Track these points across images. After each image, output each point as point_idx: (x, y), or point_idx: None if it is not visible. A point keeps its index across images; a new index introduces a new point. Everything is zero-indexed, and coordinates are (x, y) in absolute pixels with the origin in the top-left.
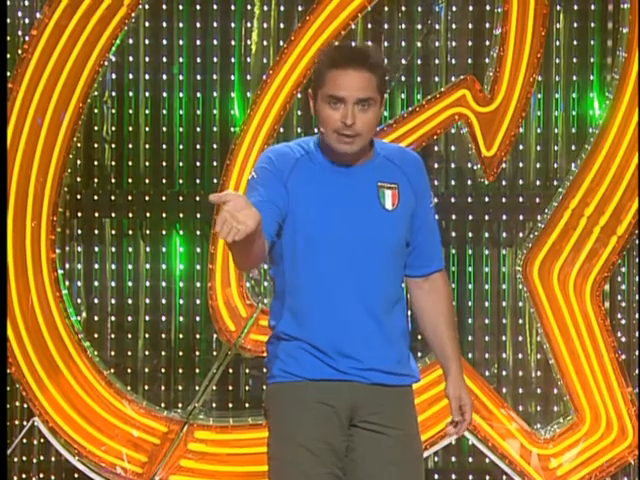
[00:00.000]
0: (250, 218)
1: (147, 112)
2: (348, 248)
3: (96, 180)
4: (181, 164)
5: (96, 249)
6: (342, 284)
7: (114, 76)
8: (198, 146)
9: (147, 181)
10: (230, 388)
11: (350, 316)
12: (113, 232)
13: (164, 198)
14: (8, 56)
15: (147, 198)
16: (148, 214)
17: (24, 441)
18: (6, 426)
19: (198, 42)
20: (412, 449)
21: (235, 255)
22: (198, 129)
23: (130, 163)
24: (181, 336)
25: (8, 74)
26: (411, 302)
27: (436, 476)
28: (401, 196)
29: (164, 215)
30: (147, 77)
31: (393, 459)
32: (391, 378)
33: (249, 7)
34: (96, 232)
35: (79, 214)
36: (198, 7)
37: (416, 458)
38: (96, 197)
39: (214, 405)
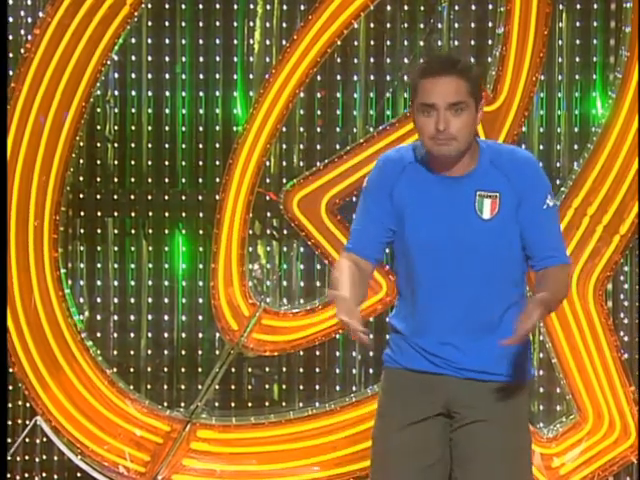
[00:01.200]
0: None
1: (150, 111)
2: (445, 257)
3: (99, 179)
4: (184, 163)
5: (99, 248)
6: (441, 293)
7: (117, 75)
8: (201, 145)
9: (150, 180)
10: (233, 387)
11: (448, 318)
12: (115, 231)
13: (167, 197)
14: (10, 55)
15: (149, 197)
16: (151, 213)
17: (27, 440)
18: (6, 426)
19: (201, 41)
20: (511, 438)
21: None
22: (201, 128)
23: (133, 162)
24: (184, 335)
25: (10, 73)
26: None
27: None
28: (502, 205)
29: (167, 214)
30: (150, 76)
31: (491, 447)
32: (483, 376)
33: (252, 6)
34: (99, 231)
35: (82, 213)
36: (201, 6)
37: (518, 449)
38: (99, 196)
39: (217, 404)
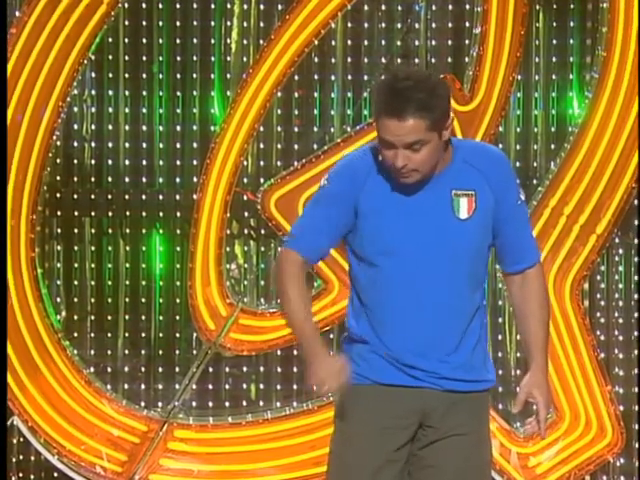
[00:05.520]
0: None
1: (127, 110)
2: (421, 258)
3: (76, 179)
4: (161, 163)
5: (76, 248)
6: (416, 294)
7: (94, 74)
8: (178, 145)
9: (127, 180)
10: (210, 387)
11: (424, 325)
12: (93, 231)
13: (144, 197)
14: None
15: (127, 197)
16: (128, 213)
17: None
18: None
19: (178, 41)
20: (481, 453)
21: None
22: (178, 128)
23: (110, 162)
24: (161, 335)
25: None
26: (508, 298)
27: None
28: (478, 203)
29: (144, 214)
30: (127, 75)
31: (461, 462)
32: (463, 385)
33: (229, 6)
34: (75, 231)
35: (58, 213)
36: (178, 6)
37: (485, 463)
38: (76, 196)
39: (194, 404)
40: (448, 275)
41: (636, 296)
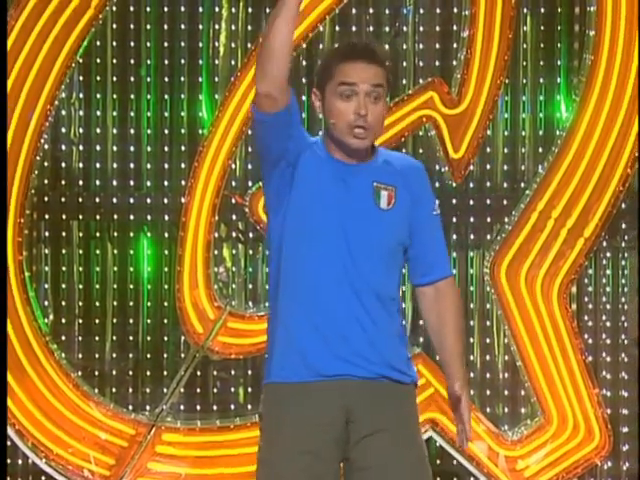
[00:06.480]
0: None
1: (115, 114)
2: (341, 244)
3: (63, 182)
4: (149, 166)
5: (63, 251)
6: (335, 278)
7: (81, 78)
8: (166, 148)
9: (115, 183)
10: (198, 390)
11: (343, 311)
12: (80, 234)
13: (132, 200)
14: None
15: (114, 200)
16: (116, 216)
17: None
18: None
19: (166, 44)
20: (415, 449)
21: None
22: (166, 131)
23: (98, 165)
24: (149, 338)
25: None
26: (421, 312)
27: None
28: (397, 198)
29: (132, 217)
30: (114, 79)
31: (395, 459)
32: (385, 370)
33: (217, 9)
34: (63, 234)
35: (46, 216)
36: (166, 9)
37: (421, 458)
38: (63, 199)
39: (182, 407)
40: (367, 261)
41: (623, 299)
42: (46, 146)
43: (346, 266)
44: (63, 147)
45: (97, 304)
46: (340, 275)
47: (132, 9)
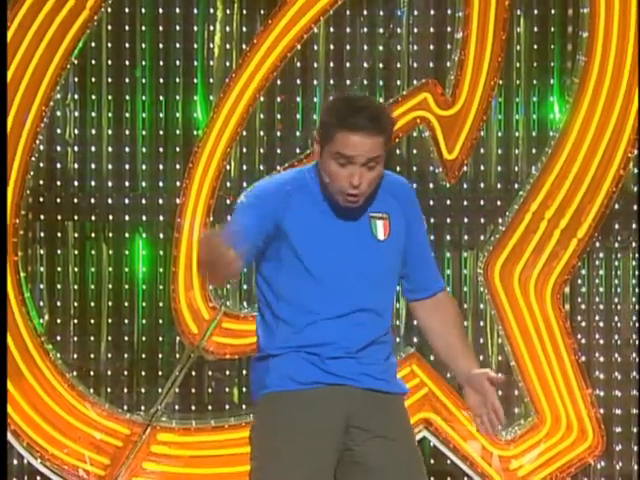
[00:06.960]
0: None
1: (110, 115)
2: (341, 277)
3: (59, 183)
4: (144, 167)
5: (58, 252)
6: (336, 312)
7: (77, 79)
8: (161, 149)
9: (110, 184)
10: (193, 390)
11: (343, 328)
12: (76, 235)
13: (127, 201)
14: None
15: (110, 201)
16: (111, 217)
17: None
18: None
19: (161, 45)
20: (415, 453)
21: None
22: (161, 132)
23: (93, 166)
24: (144, 339)
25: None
26: (420, 325)
27: None
28: (392, 225)
29: (127, 218)
30: (110, 80)
31: (395, 461)
32: (382, 384)
33: (212, 10)
34: (59, 235)
35: (42, 217)
36: (160, 11)
37: (419, 462)
38: (59, 200)
39: (177, 407)
40: (366, 292)
41: (616, 300)
42: (41, 147)
43: (348, 298)
44: (58, 148)
45: (92, 304)
46: (340, 307)
47: (127, 10)
